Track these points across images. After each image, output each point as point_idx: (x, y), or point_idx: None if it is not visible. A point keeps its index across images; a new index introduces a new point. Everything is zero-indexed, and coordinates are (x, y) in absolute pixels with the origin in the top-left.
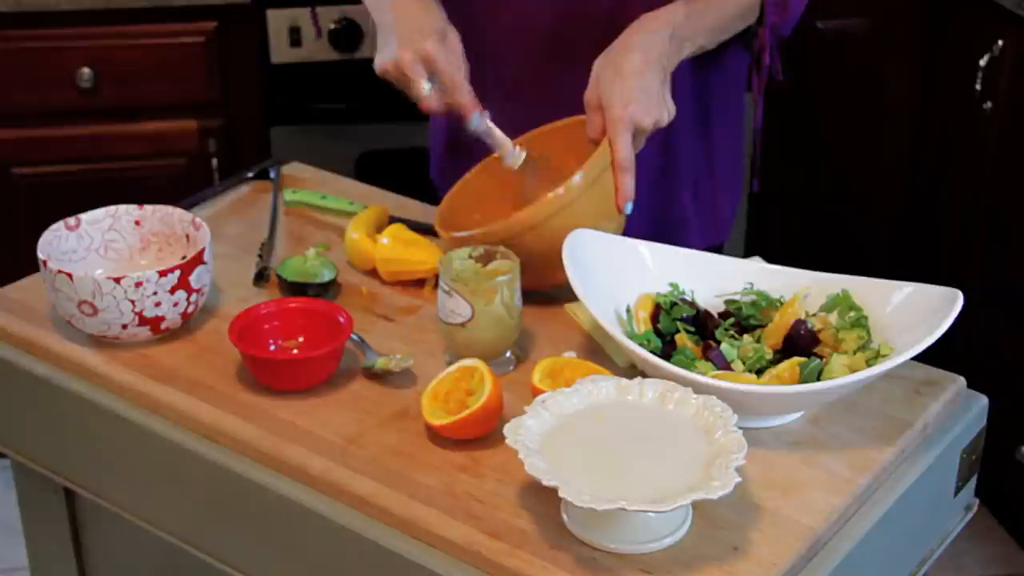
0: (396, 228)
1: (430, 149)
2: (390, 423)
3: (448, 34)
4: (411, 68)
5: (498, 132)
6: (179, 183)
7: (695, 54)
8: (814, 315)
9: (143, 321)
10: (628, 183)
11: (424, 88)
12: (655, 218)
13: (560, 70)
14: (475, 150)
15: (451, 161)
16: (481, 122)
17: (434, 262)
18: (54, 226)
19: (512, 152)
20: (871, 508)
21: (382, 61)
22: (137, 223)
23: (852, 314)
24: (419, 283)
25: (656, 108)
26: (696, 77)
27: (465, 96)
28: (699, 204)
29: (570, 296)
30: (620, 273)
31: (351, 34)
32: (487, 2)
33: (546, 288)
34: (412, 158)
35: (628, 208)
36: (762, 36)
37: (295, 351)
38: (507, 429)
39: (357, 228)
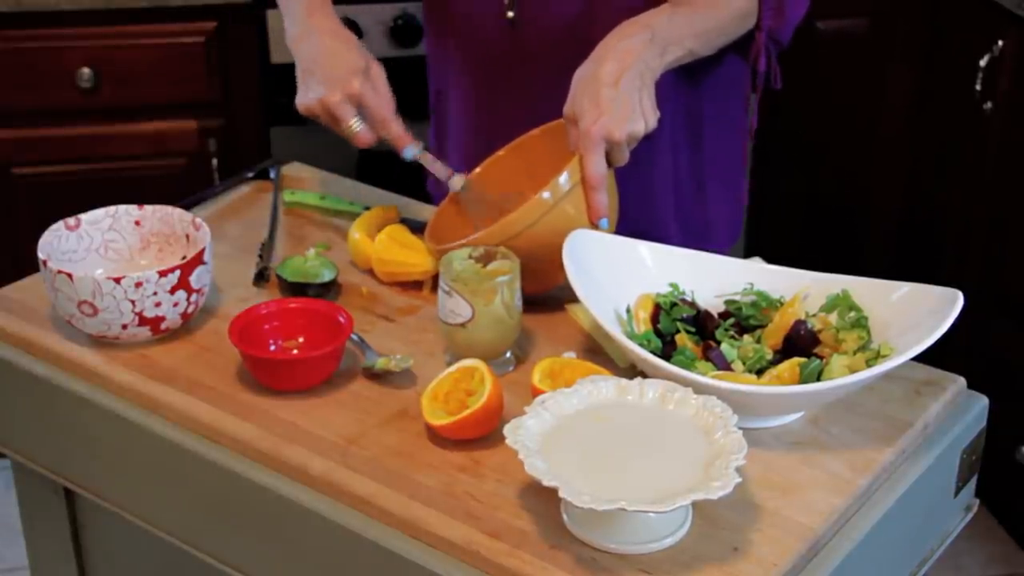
0: (393, 229)
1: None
2: (390, 423)
3: (371, 69)
4: (340, 108)
5: (433, 160)
6: (179, 183)
7: (687, 60)
8: (814, 315)
9: (143, 321)
10: (597, 200)
11: (355, 126)
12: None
13: (527, 83)
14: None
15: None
16: (415, 153)
17: (428, 264)
18: (54, 226)
19: (452, 178)
20: (871, 508)
21: (307, 101)
22: (137, 223)
23: (852, 314)
24: (419, 283)
25: (630, 119)
26: (687, 95)
27: (396, 130)
28: (686, 230)
29: (570, 296)
30: (620, 273)
31: None
32: (444, 16)
33: (544, 291)
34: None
35: (603, 225)
36: (758, 41)
37: (295, 351)
38: (507, 429)
39: (360, 228)
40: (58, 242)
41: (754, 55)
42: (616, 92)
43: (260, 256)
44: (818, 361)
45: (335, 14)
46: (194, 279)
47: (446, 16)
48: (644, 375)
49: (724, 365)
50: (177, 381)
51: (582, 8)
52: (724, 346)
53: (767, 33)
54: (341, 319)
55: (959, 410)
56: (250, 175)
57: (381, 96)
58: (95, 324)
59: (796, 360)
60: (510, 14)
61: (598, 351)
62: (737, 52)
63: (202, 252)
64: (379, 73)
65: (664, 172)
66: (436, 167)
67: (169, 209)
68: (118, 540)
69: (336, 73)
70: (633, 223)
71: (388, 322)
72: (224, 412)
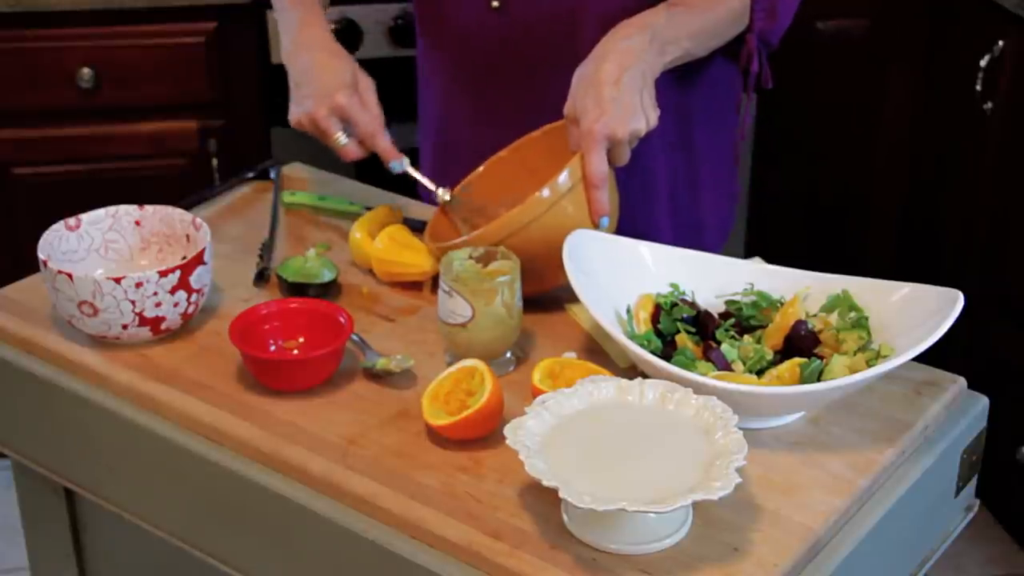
0: (394, 229)
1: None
2: (390, 423)
3: (359, 82)
4: (325, 122)
5: (419, 175)
6: (179, 183)
7: (683, 60)
8: (814, 315)
9: (143, 321)
10: (600, 198)
11: (340, 140)
12: None
13: (515, 73)
14: (462, 158)
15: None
16: (402, 167)
17: (428, 264)
18: (54, 226)
19: (439, 191)
20: (871, 509)
21: (296, 115)
22: (137, 223)
23: (852, 315)
24: (419, 283)
25: (632, 118)
26: (678, 95)
27: (382, 144)
28: (678, 229)
29: (571, 296)
30: (620, 273)
31: (351, 34)
32: (431, 10)
33: (544, 291)
34: (412, 159)
35: (604, 223)
36: (749, 43)
37: (295, 351)
38: (507, 430)
39: (360, 228)
40: (58, 242)
41: (746, 57)
42: (618, 91)
43: (260, 256)
44: (818, 361)
45: (328, 27)
46: (194, 279)
47: (433, 10)
48: (644, 375)
49: (724, 365)
50: (177, 381)
51: None
52: (724, 346)
53: (758, 36)
54: (341, 319)
55: (959, 410)
56: (250, 175)
57: (368, 110)
58: (95, 324)
59: (796, 360)
60: (495, 3)
61: (598, 351)
62: (725, 54)
63: (202, 252)
64: (368, 87)
65: (657, 171)
66: (423, 181)
67: (169, 209)
68: (118, 540)
69: (323, 87)
70: (626, 221)
71: (388, 322)
72: (224, 412)
